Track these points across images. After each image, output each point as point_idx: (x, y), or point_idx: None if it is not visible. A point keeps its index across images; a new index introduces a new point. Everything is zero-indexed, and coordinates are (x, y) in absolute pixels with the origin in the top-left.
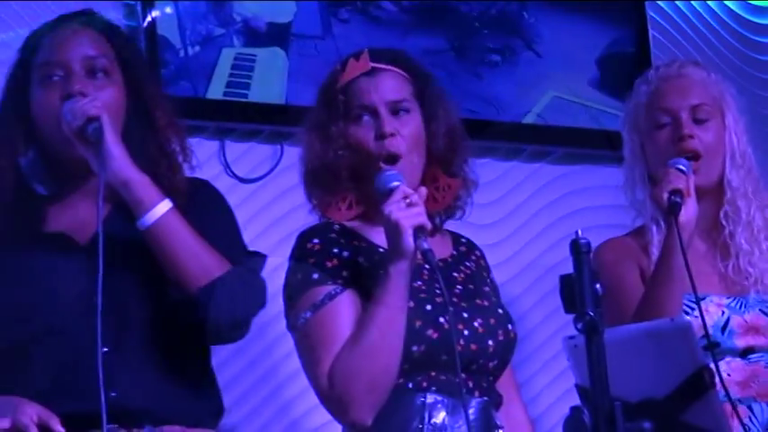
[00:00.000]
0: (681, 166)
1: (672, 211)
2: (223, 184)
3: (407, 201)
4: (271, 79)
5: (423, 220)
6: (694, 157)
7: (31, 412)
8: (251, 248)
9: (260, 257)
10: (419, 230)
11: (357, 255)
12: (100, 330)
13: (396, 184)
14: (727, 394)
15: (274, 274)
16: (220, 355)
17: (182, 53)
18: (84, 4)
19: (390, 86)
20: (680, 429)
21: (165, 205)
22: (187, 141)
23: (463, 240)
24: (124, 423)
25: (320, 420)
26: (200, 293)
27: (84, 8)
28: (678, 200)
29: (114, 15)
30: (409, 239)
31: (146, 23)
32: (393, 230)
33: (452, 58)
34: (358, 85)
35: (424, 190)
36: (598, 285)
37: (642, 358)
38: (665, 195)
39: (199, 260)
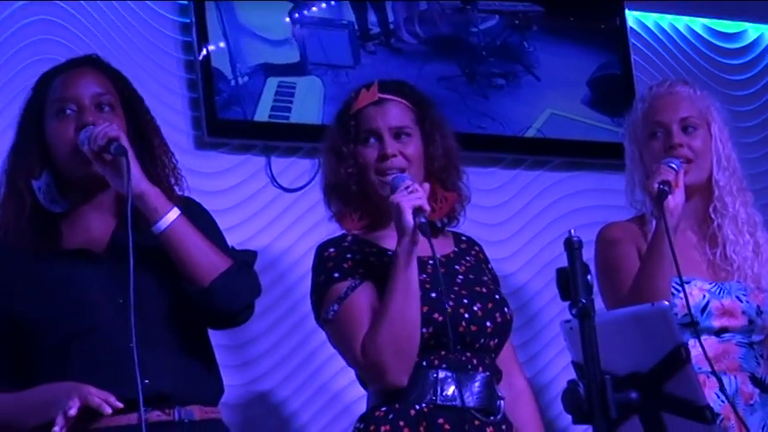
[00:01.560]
0: (672, 164)
1: (660, 198)
2: (270, 193)
3: (409, 189)
4: (309, 103)
5: (421, 202)
6: (685, 161)
7: (94, 392)
8: (299, 243)
9: (252, 253)
10: (417, 210)
11: (369, 257)
12: (133, 322)
13: (406, 183)
14: (710, 363)
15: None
16: (264, 345)
17: (233, 82)
18: (152, 41)
19: (394, 114)
20: (662, 398)
21: (175, 212)
22: (178, 168)
23: (463, 238)
24: (157, 406)
25: (354, 395)
26: (212, 285)
27: (90, 53)
28: (666, 189)
29: (174, 51)
30: (409, 216)
31: (201, 57)
32: (396, 212)
33: (464, 83)
34: (367, 112)
35: (427, 185)
36: (589, 277)
37: (628, 338)
38: (655, 186)
39: (207, 257)
